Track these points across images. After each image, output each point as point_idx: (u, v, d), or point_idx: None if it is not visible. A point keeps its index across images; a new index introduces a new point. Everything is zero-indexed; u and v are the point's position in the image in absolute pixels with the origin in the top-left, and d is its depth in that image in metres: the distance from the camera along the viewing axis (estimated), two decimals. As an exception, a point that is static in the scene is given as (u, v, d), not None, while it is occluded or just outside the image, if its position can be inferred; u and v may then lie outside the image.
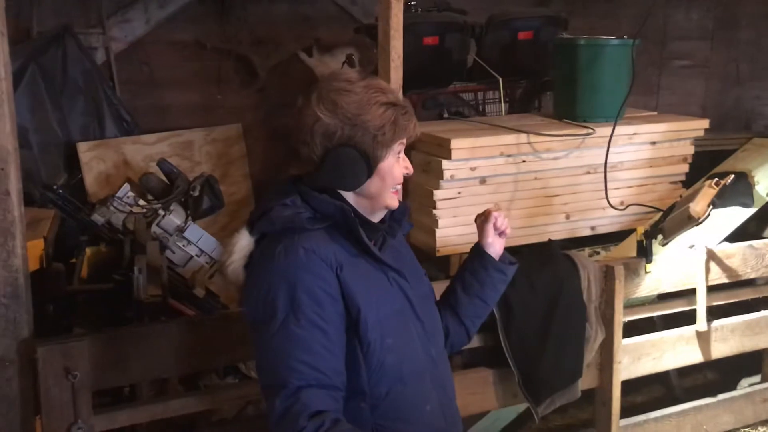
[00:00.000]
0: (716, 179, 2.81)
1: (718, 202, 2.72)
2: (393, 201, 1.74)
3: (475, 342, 2.59)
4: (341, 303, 1.58)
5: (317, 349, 1.51)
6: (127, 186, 3.67)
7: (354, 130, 1.63)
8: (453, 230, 3.12)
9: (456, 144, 3.02)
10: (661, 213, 3.06)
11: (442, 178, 3.05)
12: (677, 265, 2.87)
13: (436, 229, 3.10)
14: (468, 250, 3.12)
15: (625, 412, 2.89)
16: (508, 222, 2.05)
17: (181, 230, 3.56)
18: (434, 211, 3.09)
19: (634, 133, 3.37)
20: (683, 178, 3.53)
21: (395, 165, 1.70)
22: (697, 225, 2.71)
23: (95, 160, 4.18)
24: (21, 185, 1.96)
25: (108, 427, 2.12)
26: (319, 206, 1.64)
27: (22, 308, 1.96)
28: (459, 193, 3.10)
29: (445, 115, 3.77)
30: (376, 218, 1.75)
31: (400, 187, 1.75)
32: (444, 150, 3.04)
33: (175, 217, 3.57)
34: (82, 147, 4.16)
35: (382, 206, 1.72)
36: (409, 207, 1.88)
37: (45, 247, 2.93)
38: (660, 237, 2.82)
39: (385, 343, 1.62)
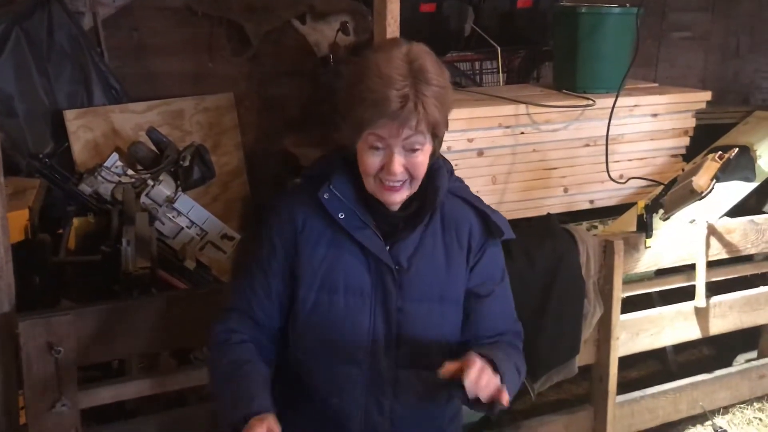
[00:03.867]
0: (719, 153, 2.76)
1: (721, 176, 2.67)
2: (380, 193, 1.61)
3: (471, 317, 2.54)
4: (289, 259, 1.65)
5: (256, 287, 1.66)
6: (115, 155, 3.59)
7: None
8: (449, 203, 3.06)
9: (453, 115, 2.93)
10: (662, 187, 3.00)
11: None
12: (678, 240, 2.83)
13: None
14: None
15: (621, 388, 2.87)
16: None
17: (171, 201, 3.48)
18: (430, 184, 3.03)
19: (635, 105, 3.30)
20: (684, 151, 3.47)
21: (365, 156, 1.58)
22: (699, 199, 2.66)
23: (83, 129, 4.08)
24: (0, 153, 1.88)
25: (93, 404, 2.07)
26: (322, 166, 1.70)
27: (3, 281, 1.90)
28: (456, 165, 2.98)
29: (442, 85, 3.68)
30: (394, 204, 1.63)
31: (395, 183, 1.59)
32: (441, 121, 2.96)
33: (164, 188, 3.49)
34: (69, 115, 4.05)
35: (371, 192, 1.62)
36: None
37: (30, 218, 2.85)
38: (661, 211, 2.77)
39: (315, 316, 1.64)
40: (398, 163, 1.57)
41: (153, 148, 3.68)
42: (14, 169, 3.43)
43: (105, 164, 3.52)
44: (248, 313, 1.67)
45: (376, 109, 1.53)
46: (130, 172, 3.54)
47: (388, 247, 1.65)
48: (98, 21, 4.35)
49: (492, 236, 1.73)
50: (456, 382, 1.49)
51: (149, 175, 3.49)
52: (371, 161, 1.58)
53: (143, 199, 3.43)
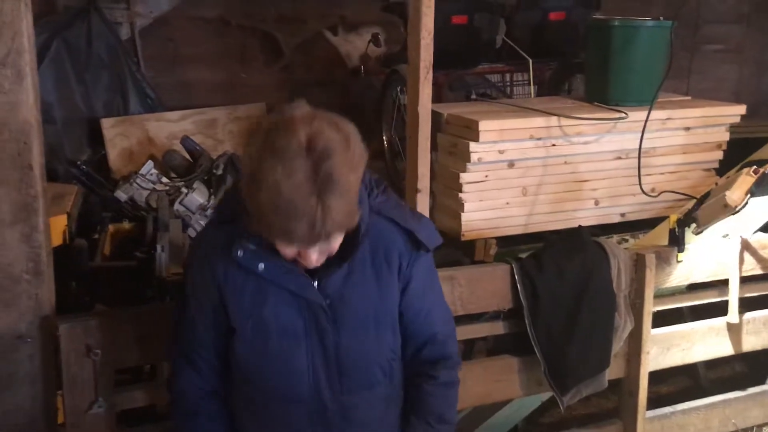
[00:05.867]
0: (754, 167, 2.73)
1: (756, 190, 2.63)
2: (297, 263, 1.51)
3: (501, 329, 2.54)
4: (218, 308, 1.60)
5: (191, 331, 1.64)
6: (150, 163, 3.66)
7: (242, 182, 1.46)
8: (479, 214, 3.07)
9: (484, 126, 2.95)
10: (694, 201, 2.97)
11: (469, 161, 2.99)
12: (710, 254, 2.80)
13: (462, 213, 3.05)
14: (494, 235, 3.12)
15: (650, 403, 2.83)
16: None
17: (203, 209, 3.53)
18: (460, 195, 3.04)
19: (668, 118, 3.28)
20: (717, 165, 3.44)
21: (278, 248, 1.47)
22: (733, 214, 2.63)
23: (119, 137, 4.17)
24: (43, 160, 1.93)
25: (128, 406, 2.10)
26: (233, 211, 1.56)
27: (44, 285, 1.94)
28: (486, 176, 3.04)
29: (473, 96, 3.70)
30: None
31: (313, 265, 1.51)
32: (472, 132, 2.98)
33: (197, 196, 3.55)
34: (106, 123, 4.14)
35: None
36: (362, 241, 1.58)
37: (68, 223, 2.91)
38: (693, 225, 2.74)
39: (251, 360, 1.61)
40: (313, 256, 1.48)
41: (187, 156, 3.74)
42: (52, 175, 3.51)
43: (140, 172, 3.59)
44: (194, 362, 1.65)
45: (282, 237, 1.42)
46: (164, 179, 3.60)
47: (316, 282, 1.57)
48: (135, 31, 4.46)
49: (420, 249, 1.65)
50: None
51: (183, 182, 3.56)
52: (284, 252, 1.48)
53: (177, 206, 3.49)
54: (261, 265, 1.54)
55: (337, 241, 1.49)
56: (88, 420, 1.96)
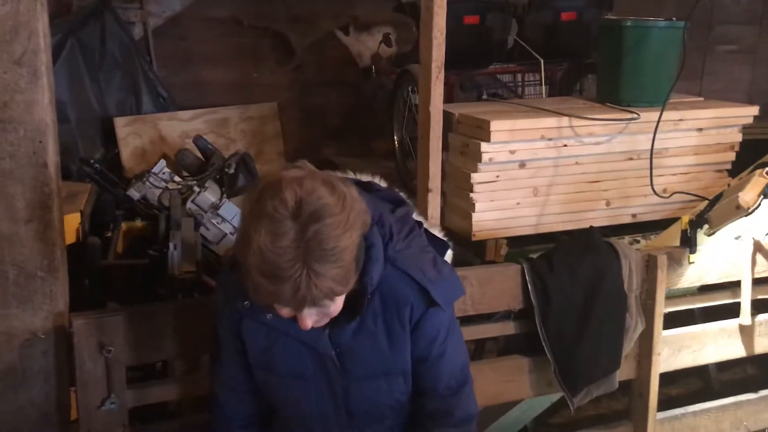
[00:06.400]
0: (767, 168, 2.71)
1: (769, 192, 2.62)
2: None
3: (511, 329, 2.54)
4: (239, 341, 1.64)
5: (223, 362, 1.71)
6: (163, 162, 3.68)
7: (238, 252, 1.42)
8: (490, 214, 3.07)
9: (495, 126, 2.95)
10: (706, 202, 2.96)
11: (480, 161, 2.99)
12: (723, 256, 2.78)
13: (473, 213, 3.05)
14: (505, 235, 3.12)
15: (661, 405, 2.82)
16: None
17: (215, 207, 3.55)
18: (471, 195, 3.04)
19: (680, 119, 3.27)
20: (729, 166, 3.43)
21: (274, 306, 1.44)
22: (746, 215, 2.61)
23: (132, 136, 4.20)
24: (58, 158, 1.95)
25: (141, 403, 2.12)
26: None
27: (58, 281, 1.95)
28: (497, 176, 3.04)
29: (484, 97, 3.70)
30: None
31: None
32: (483, 132, 2.98)
33: (210, 194, 3.57)
34: (119, 122, 4.18)
35: None
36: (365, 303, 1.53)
37: (81, 221, 2.94)
38: (706, 227, 2.73)
39: (266, 391, 1.67)
40: (309, 319, 1.43)
41: (199, 155, 3.76)
42: (66, 174, 3.51)
43: (153, 170, 3.61)
44: (232, 385, 1.71)
45: (268, 300, 1.39)
46: (176, 178, 3.62)
47: (326, 331, 1.55)
48: (148, 31, 4.49)
49: (432, 306, 1.57)
50: None
51: (195, 181, 3.57)
52: (279, 312, 1.43)
53: (189, 204, 3.51)
54: (269, 315, 1.53)
55: (334, 306, 1.43)
56: (101, 416, 1.98)
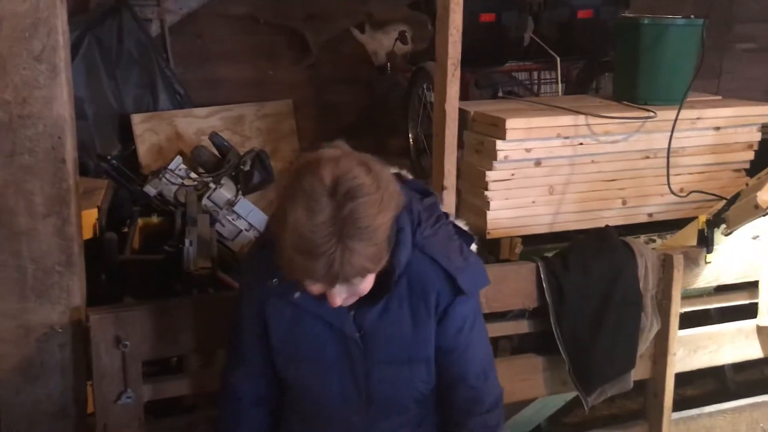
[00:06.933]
0: (786, 168, 2.69)
1: (787, 191, 2.59)
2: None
3: (526, 327, 2.54)
4: (262, 324, 1.64)
5: (241, 344, 1.70)
6: (179, 158, 3.70)
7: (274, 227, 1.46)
8: (505, 213, 3.06)
9: (511, 124, 2.94)
10: (724, 201, 2.94)
11: (495, 159, 2.98)
12: (740, 256, 2.76)
13: (487, 211, 3.04)
14: (520, 233, 3.11)
15: (676, 405, 2.80)
16: None
17: (231, 204, 3.57)
18: (486, 193, 3.03)
19: (698, 118, 3.24)
20: (747, 166, 3.39)
21: (304, 284, 1.45)
22: (764, 215, 2.59)
23: (148, 132, 4.23)
24: (76, 154, 1.97)
25: (157, 397, 2.13)
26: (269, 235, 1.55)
27: (76, 276, 1.97)
28: (512, 174, 3.03)
29: (500, 94, 3.69)
30: None
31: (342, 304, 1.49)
32: (499, 130, 2.97)
33: (225, 191, 3.59)
34: (136, 119, 4.21)
35: None
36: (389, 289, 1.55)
37: (98, 217, 2.96)
38: (723, 226, 2.71)
39: (286, 376, 1.67)
40: (338, 297, 1.45)
41: (215, 152, 3.78)
42: (83, 170, 3.57)
43: (169, 167, 3.64)
44: (245, 369, 1.71)
45: (302, 275, 1.41)
46: (192, 174, 3.65)
47: (352, 312, 1.57)
48: (165, 28, 4.51)
49: (460, 293, 1.59)
50: None
51: (211, 178, 3.60)
52: (310, 289, 1.45)
53: (205, 201, 3.53)
54: (297, 294, 1.54)
55: (363, 284, 1.45)
56: (117, 410, 2.00)
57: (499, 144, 2.96)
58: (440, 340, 1.62)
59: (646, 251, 2.58)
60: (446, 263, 1.57)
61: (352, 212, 1.35)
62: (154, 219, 3.38)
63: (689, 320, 2.91)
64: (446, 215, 1.70)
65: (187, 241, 2.81)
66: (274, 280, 1.55)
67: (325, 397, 1.64)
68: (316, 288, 1.44)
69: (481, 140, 3.07)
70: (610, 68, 3.76)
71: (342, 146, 1.46)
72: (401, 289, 1.56)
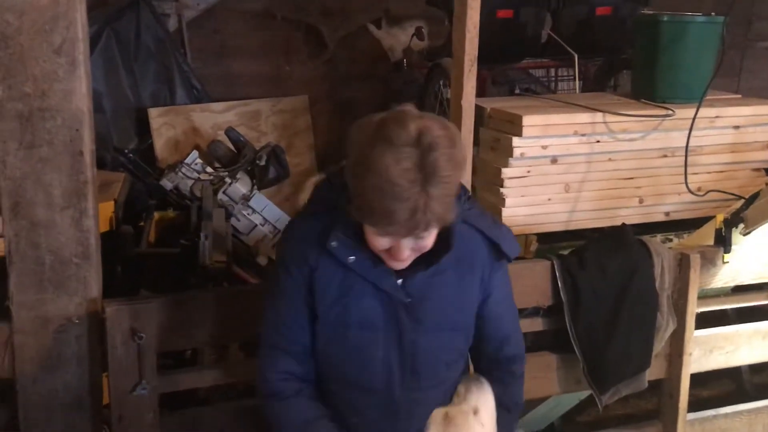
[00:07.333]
0: (806, 167, 2.66)
1: (807, 191, 2.57)
2: (386, 260, 1.57)
3: (540, 326, 2.53)
4: (306, 293, 1.65)
5: (285, 319, 1.67)
6: (195, 153, 3.72)
7: (347, 172, 1.53)
8: (520, 210, 3.04)
9: (528, 121, 2.93)
10: (742, 201, 2.91)
11: (511, 156, 2.96)
12: (758, 256, 2.74)
13: (503, 209, 3.03)
14: (535, 231, 3.09)
15: (691, 406, 2.79)
16: None
17: (246, 199, 3.59)
18: (501, 190, 3.02)
19: (717, 116, 3.21)
20: (767, 165, 3.35)
21: (371, 237, 1.53)
22: (783, 215, 2.57)
23: (165, 126, 4.25)
24: (94, 147, 1.98)
25: (171, 389, 2.15)
26: (333, 200, 1.63)
27: (92, 268, 1.99)
28: (528, 171, 3.02)
29: (517, 91, 3.68)
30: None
31: (402, 262, 1.57)
32: (515, 127, 2.96)
33: (241, 186, 3.61)
34: (153, 113, 4.23)
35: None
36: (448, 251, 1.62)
37: (115, 210, 2.99)
38: (741, 226, 2.69)
39: (330, 348, 1.66)
40: (405, 250, 1.54)
41: (231, 147, 3.80)
42: (101, 163, 3.57)
43: (185, 161, 3.66)
44: (287, 350, 1.68)
45: (382, 219, 1.47)
46: (208, 169, 3.66)
47: (400, 280, 1.63)
48: (183, 23, 4.53)
49: (501, 259, 1.73)
50: None
51: (227, 173, 3.61)
52: (378, 243, 1.53)
53: (220, 195, 3.55)
54: (352, 258, 1.60)
55: (429, 238, 1.53)
56: (132, 401, 2.01)
57: (516, 141, 2.95)
58: (490, 305, 1.73)
59: (663, 250, 2.57)
60: (489, 232, 1.70)
61: (435, 162, 1.43)
62: (170, 213, 3.41)
63: (706, 320, 2.89)
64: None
65: (202, 235, 2.83)
66: (333, 243, 1.59)
67: (369, 371, 1.66)
68: (385, 242, 1.51)
69: (497, 137, 3.06)
70: (628, 66, 3.74)
71: (412, 108, 1.54)
72: (448, 257, 1.63)
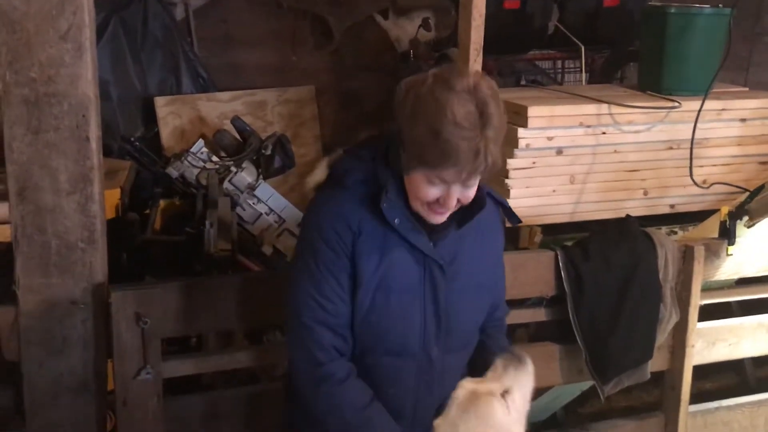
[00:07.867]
0: (812, 160, 2.65)
1: (812, 184, 2.56)
2: (425, 214, 1.65)
3: (543, 315, 2.54)
4: (350, 262, 1.68)
5: (327, 292, 1.68)
6: (201, 142, 3.73)
7: (404, 124, 1.61)
8: (525, 201, 3.04)
9: (533, 112, 2.92)
10: (747, 193, 2.91)
11: (516, 147, 2.96)
12: (762, 248, 2.74)
13: (508, 200, 3.03)
14: (540, 222, 3.09)
15: (694, 398, 2.80)
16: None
17: (252, 188, 3.59)
18: (506, 181, 3.02)
19: (723, 109, 3.20)
20: (773, 158, 3.35)
21: (422, 186, 1.61)
22: (788, 208, 2.57)
23: (171, 115, 4.25)
24: (100, 133, 1.99)
25: (175, 374, 2.16)
26: (364, 170, 1.69)
27: (98, 253, 2.00)
28: (534, 163, 3.01)
29: (523, 82, 3.67)
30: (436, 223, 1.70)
31: (445, 211, 1.64)
32: (520, 118, 2.95)
33: (246, 175, 3.61)
34: (160, 101, 4.23)
35: (415, 210, 1.67)
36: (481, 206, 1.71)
37: (121, 197, 3.00)
38: (746, 218, 2.69)
39: (372, 315, 1.69)
40: (455, 198, 1.62)
41: (237, 136, 3.80)
42: (107, 151, 3.60)
43: (191, 150, 3.66)
44: (330, 324, 1.68)
45: (447, 158, 1.55)
46: (214, 158, 3.67)
47: (431, 243, 1.71)
48: (190, 12, 4.53)
49: (509, 222, 1.88)
50: None
51: (232, 162, 3.61)
52: (428, 193, 1.61)
53: (226, 184, 3.56)
54: (396, 220, 1.66)
55: (474, 188, 1.63)
56: (136, 386, 2.03)
57: (521, 132, 2.94)
58: (498, 267, 1.88)
59: (667, 242, 2.57)
60: (502, 199, 1.85)
61: (490, 110, 1.55)
62: (176, 201, 3.42)
63: (709, 313, 2.89)
64: None
65: (207, 224, 2.84)
66: (384, 204, 1.64)
67: (409, 334, 1.71)
68: (436, 191, 1.59)
69: (502, 128, 3.06)
70: (635, 58, 3.72)
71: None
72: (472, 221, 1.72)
